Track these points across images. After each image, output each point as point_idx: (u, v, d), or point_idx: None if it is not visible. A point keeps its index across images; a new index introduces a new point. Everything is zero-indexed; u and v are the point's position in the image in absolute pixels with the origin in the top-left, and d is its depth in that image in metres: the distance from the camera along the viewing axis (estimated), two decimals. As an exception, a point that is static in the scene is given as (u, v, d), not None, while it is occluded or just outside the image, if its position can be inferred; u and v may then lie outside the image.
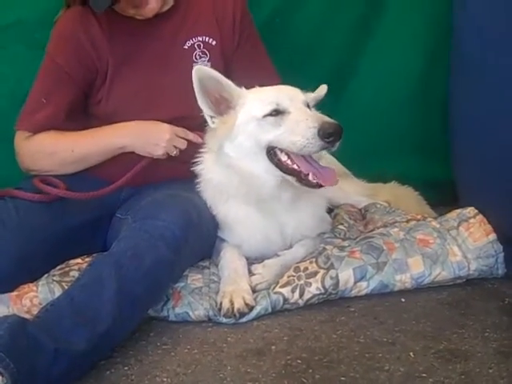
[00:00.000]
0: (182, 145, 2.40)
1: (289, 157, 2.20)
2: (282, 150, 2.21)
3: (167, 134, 2.38)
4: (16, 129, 2.45)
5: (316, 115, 2.20)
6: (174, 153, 2.39)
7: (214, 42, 2.49)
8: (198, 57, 2.47)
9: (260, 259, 2.34)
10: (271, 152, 2.22)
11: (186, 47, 2.48)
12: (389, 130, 2.99)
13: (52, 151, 2.41)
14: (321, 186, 2.17)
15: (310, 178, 2.17)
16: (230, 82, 2.25)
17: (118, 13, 2.38)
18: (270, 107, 2.20)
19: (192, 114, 2.37)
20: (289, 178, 2.23)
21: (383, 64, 2.97)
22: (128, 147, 2.40)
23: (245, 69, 2.50)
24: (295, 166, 2.20)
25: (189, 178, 2.41)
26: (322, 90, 2.47)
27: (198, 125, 2.41)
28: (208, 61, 2.48)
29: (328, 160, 2.53)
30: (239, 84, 2.29)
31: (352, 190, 2.83)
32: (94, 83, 2.44)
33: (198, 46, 2.48)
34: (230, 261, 2.29)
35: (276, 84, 2.41)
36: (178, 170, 2.42)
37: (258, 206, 2.33)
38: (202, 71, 2.20)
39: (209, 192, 2.39)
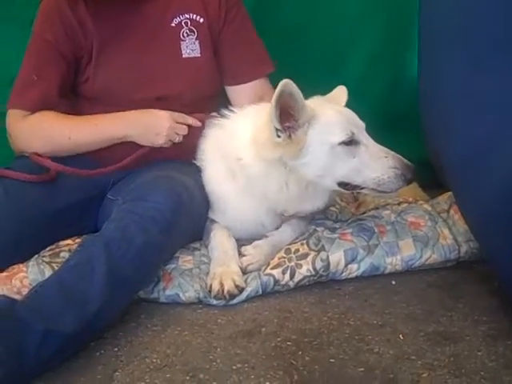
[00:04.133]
0: (183, 131, 2.37)
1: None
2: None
3: (166, 122, 2.33)
4: (8, 108, 2.41)
5: (391, 153, 2.16)
6: (176, 139, 2.36)
7: (201, 20, 2.44)
8: (185, 34, 2.43)
9: (250, 240, 2.32)
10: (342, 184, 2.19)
11: (173, 25, 2.43)
12: (382, 110, 2.97)
13: (49, 134, 2.38)
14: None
15: None
16: (305, 103, 2.12)
17: None
18: (345, 135, 2.12)
19: (180, 93, 2.36)
20: (362, 190, 2.22)
21: (376, 45, 2.94)
22: (128, 137, 2.37)
23: (232, 48, 2.48)
24: None
25: (180, 160, 2.41)
26: (343, 92, 2.41)
27: (186, 104, 2.40)
28: (196, 38, 2.43)
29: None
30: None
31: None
32: (80, 61, 2.41)
33: (186, 23, 2.43)
34: (220, 242, 2.28)
35: (265, 64, 2.45)
36: (169, 152, 2.40)
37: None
38: (289, 87, 2.03)
39: (213, 170, 2.37)
